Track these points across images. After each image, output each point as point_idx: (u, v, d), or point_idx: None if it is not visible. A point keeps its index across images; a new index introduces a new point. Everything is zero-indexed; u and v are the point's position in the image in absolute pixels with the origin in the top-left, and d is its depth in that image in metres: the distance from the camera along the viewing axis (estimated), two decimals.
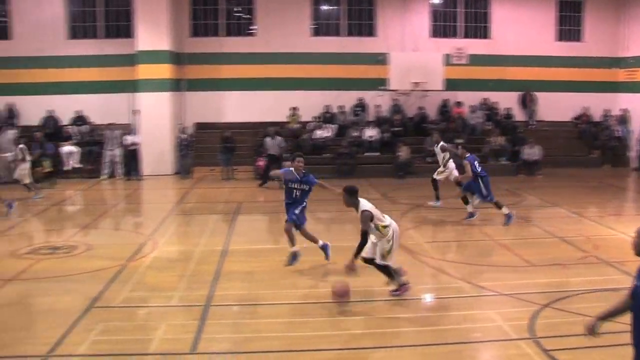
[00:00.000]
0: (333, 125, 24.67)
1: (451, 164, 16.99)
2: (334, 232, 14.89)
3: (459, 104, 25.90)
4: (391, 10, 25.83)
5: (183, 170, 23.16)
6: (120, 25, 25.33)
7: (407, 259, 11.64)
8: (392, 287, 9.60)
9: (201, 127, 24.97)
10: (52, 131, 24.34)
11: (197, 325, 8.49)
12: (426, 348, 7.83)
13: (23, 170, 19.03)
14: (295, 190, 11.28)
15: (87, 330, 8.46)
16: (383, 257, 9.31)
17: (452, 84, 24.54)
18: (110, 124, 23.63)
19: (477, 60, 25.93)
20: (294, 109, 24.74)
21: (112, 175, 23.23)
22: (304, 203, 11.40)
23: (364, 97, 25.45)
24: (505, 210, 14.86)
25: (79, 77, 25.03)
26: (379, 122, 24.84)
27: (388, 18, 25.74)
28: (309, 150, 23.01)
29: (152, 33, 23.28)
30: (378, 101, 25.34)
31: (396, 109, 25.52)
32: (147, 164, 23.13)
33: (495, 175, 22.69)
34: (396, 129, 24.62)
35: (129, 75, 23.79)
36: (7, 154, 21.75)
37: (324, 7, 26.39)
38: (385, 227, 9.25)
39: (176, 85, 24.36)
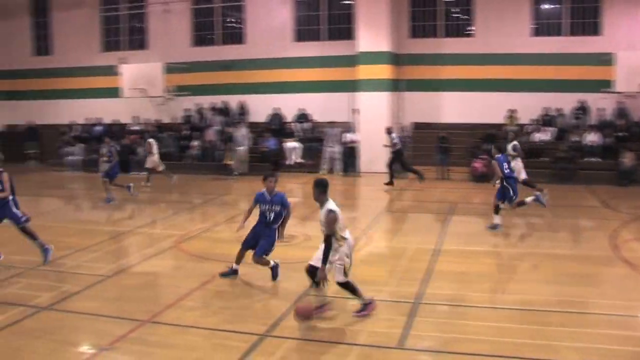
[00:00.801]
0: (552, 129, 23.68)
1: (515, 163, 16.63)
2: (547, 238, 14.43)
3: None
4: (619, 6, 24.08)
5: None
6: (342, 27, 26.28)
7: (626, 272, 11.00)
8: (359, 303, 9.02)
9: (418, 126, 25.14)
10: (277, 128, 25.68)
11: (405, 321, 8.58)
12: None
13: (154, 162, 22.01)
14: (267, 212, 10.54)
15: None
16: (345, 274, 8.84)
17: None
18: (330, 122, 24.38)
19: None
20: (512, 110, 24.05)
21: (330, 171, 24.04)
22: (275, 232, 10.67)
23: (586, 99, 24.04)
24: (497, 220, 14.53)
25: (302, 77, 26.54)
26: (602, 126, 23.38)
27: (615, 15, 24.07)
28: (527, 154, 22.31)
29: (372, 35, 23.91)
30: (601, 104, 23.82)
31: (621, 112, 23.90)
32: (365, 162, 23.65)
33: None
34: (620, 133, 23.01)
35: (349, 76, 24.62)
36: (241, 147, 23.45)
37: (545, 6, 25.32)
38: (343, 238, 8.69)
39: (395, 86, 24.74)
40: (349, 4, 25.77)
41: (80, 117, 29.91)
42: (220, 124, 26.49)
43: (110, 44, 30.27)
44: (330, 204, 8.61)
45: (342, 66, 25.27)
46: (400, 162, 21.59)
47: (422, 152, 23.79)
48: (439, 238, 13.74)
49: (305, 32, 26.91)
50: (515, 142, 17.36)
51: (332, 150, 24.08)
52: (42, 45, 31.71)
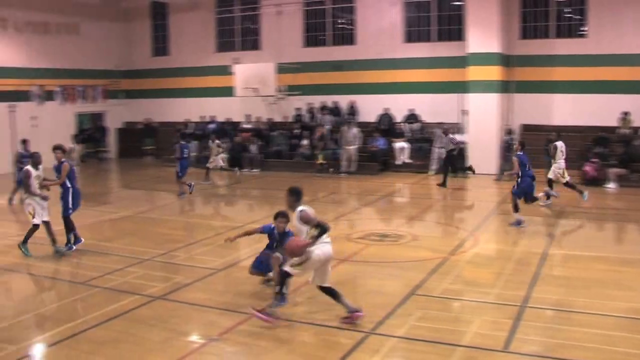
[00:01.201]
0: None
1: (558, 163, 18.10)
2: None
3: None
4: None
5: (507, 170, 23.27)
6: (452, 29, 26.52)
7: None
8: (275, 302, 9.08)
9: (527, 128, 25.06)
10: (386, 128, 26.27)
11: (510, 325, 8.70)
12: None
13: (216, 162, 23.50)
14: (273, 243, 10.42)
15: (406, 315, 9.29)
16: (292, 264, 8.90)
17: None
18: (439, 123, 24.76)
19: None
20: (626, 113, 23.60)
21: (439, 172, 24.21)
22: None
23: None
24: (517, 216, 15.39)
25: (412, 78, 27.04)
26: None
27: None
28: None
29: (482, 36, 24.07)
30: None
31: None
32: (473, 163, 23.73)
33: None
34: None
35: (458, 77, 24.92)
36: (351, 147, 24.18)
37: None
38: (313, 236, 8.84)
39: (504, 87, 24.82)
40: (459, 4, 26.01)
41: (195, 115, 31.65)
42: (330, 124, 27.26)
43: (225, 44, 31.82)
44: (302, 207, 9.09)
45: (451, 67, 25.55)
46: (446, 163, 22.57)
47: (530, 154, 23.50)
48: (547, 242, 13.82)
49: (415, 33, 27.35)
50: (557, 142, 18.09)
51: (441, 151, 24.36)
52: (160, 46, 33.86)
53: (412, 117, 26.63)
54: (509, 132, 23.99)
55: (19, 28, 28.71)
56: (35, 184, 13.07)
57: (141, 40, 34.03)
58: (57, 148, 13.54)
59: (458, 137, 24.15)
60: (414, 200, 20.71)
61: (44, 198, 13.14)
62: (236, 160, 27.43)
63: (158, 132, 32.27)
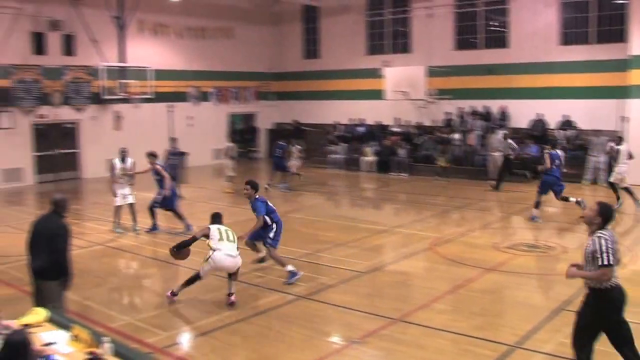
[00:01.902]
0: None
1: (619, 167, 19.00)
2: None
3: None
4: None
5: None
6: (613, 29, 25.53)
7: None
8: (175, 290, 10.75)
9: None
10: (539, 134, 25.62)
11: None
12: None
13: (295, 165, 24.42)
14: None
15: (554, 331, 9.11)
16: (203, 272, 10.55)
17: None
18: (596, 130, 24.00)
19: None
20: None
21: (594, 182, 23.54)
22: (273, 227, 11.86)
23: None
24: (535, 212, 17.41)
25: (567, 82, 26.23)
26: None
27: None
28: None
29: None
30: None
31: None
32: (633, 173, 22.65)
33: None
34: None
35: (618, 81, 24.05)
36: (496, 153, 23.78)
37: None
38: (210, 248, 10.34)
39: None
40: (621, 3, 24.99)
41: (344, 117, 32.45)
42: (481, 129, 26.97)
43: (375, 47, 32.42)
44: (211, 226, 10.65)
45: (610, 71, 24.69)
46: (504, 167, 23.16)
47: None
48: None
49: (571, 34, 26.55)
50: (620, 147, 19.04)
51: (597, 160, 23.60)
52: (311, 49, 35.06)
53: (566, 124, 25.94)
54: None
55: (180, 33, 30.97)
56: (117, 174, 15.96)
57: (292, 44, 35.39)
58: (149, 155, 16.18)
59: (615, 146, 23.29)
60: (565, 210, 20.12)
61: (123, 182, 16.02)
62: (384, 164, 27.75)
63: (307, 134, 33.03)
